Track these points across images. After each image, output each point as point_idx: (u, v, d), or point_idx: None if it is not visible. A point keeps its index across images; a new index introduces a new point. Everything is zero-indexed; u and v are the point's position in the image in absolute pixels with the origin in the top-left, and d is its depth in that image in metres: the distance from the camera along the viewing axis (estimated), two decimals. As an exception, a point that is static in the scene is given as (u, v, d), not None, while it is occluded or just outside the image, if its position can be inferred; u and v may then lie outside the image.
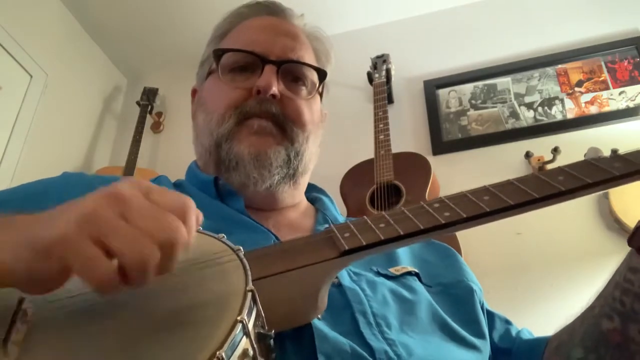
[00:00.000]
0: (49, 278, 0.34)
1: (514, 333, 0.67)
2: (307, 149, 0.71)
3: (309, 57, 0.75)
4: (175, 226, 0.35)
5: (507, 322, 0.68)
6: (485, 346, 0.60)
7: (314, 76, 0.75)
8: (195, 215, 0.38)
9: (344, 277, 0.57)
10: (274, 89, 0.67)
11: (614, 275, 0.48)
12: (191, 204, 0.38)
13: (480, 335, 0.61)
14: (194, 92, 0.81)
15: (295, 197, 0.74)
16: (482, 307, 0.65)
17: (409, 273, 0.63)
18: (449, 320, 0.59)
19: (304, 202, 0.78)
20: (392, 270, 0.63)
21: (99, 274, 0.32)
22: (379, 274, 0.61)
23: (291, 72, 0.72)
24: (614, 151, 0.46)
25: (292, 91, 0.71)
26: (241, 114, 0.68)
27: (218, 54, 0.73)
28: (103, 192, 0.36)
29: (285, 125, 0.69)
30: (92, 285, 0.33)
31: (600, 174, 0.44)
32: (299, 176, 0.71)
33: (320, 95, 0.79)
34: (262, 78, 0.68)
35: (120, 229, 0.33)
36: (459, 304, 0.63)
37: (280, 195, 0.71)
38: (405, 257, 0.68)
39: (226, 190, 0.68)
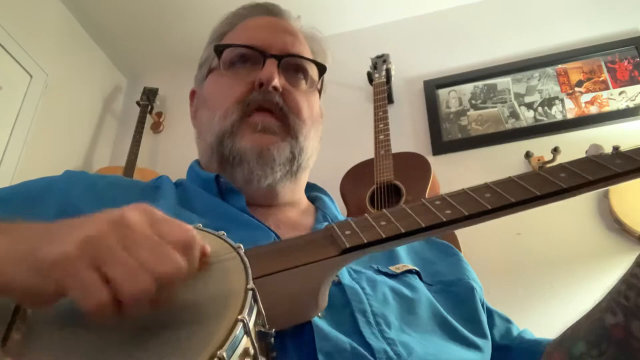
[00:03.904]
0: (44, 296, 0.35)
1: (515, 332, 0.66)
2: (309, 144, 0.72)
3: (307, 54, 0.77)
4: (175, 260, 0.35)
5: (508, 321, 0.68)
6: (486, 345, 0.60)
7: (313, 71, 0.76)
8: (200, 248, 0.39)
9: (344, 275, 0.57)
10: (276, 82, 0.68)
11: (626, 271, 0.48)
12: (196, 236, 0.38)
13: (481, 334, 0.60)
14: (192, 95, 0.81)
15: (295, 192, 0.74)
16: (482, 305, 0.65)
17: (410, 271, 0.63)
18: (450, 318, 0.58)
19: (304, 200, 0.78)
20: (393, 269, 0.62)
21: (93, 301, 0.33)
22: (379, 272, 0.61)
23: (292, 66, 0.73)
24: (616, 148, 0.45)
25: (292, 85, 0.72)
26: (244, 107, 0.68)
27: (219, 49, 0.73)
28: (109, 217, 0.36)
29: (288, 118, 0.69)
30: (86, 310, 0.33)
31: (602, 170, 0.43)
32: (300, 172, 0.72)
33: (319, 92, 0.79)
34: (264, 71, 0.69)
35: (121, 258, 0.34)
36: (459, 303, 0.63)
37: (281, 191, 0.71)
38: (406, 255, 0.68)
39: (227, 188, 0.68)
